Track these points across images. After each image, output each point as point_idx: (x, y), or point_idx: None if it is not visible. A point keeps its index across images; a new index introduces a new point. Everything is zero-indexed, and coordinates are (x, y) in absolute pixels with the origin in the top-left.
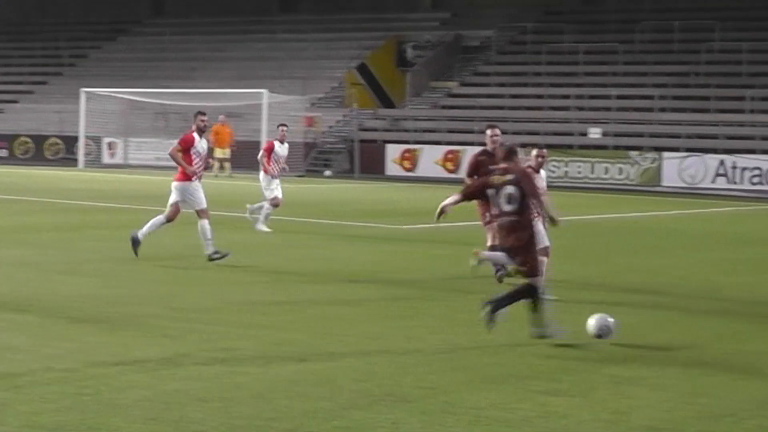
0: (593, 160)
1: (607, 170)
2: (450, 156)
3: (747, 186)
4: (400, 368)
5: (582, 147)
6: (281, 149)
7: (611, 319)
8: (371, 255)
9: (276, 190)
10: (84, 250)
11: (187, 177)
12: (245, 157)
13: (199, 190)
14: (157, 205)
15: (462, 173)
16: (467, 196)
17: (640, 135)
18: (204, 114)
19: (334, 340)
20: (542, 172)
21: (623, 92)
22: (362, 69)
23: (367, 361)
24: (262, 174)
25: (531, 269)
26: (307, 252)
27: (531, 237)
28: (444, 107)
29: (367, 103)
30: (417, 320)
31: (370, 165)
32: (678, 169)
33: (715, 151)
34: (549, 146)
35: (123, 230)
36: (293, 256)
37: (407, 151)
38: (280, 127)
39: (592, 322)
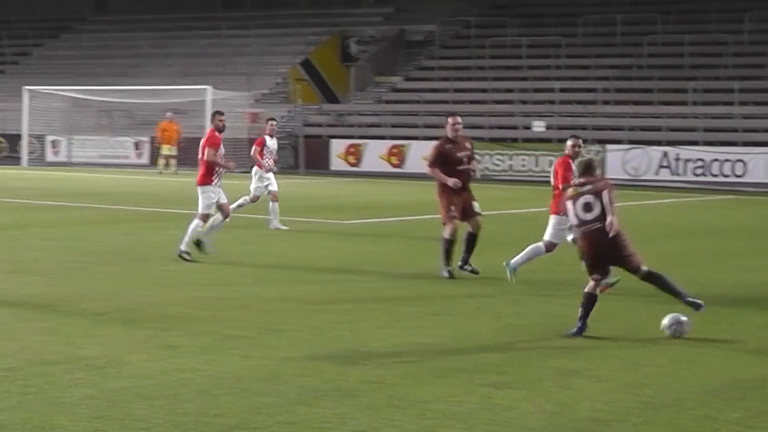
0: (537, 153)
1: (551, 163)
2: (395, 150)
3: (690, 177)
4: (345, 363)
5: (526, 140)
6: (272, 143)
7: (684, 318)
8: (316, 250)
9: (271, 185)
10: (29, 249)
11: (207, 180)
12: (190, 154)
13: (217, 192)
14: (101, 203)
15: (407, 168)
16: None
17: (584, 128)
18: (222, 114)
19: (279, 335)
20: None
21: (566, 85)
22: (306, 64)
23: (312, 357)
24: (255, 169)
25: (635, 266)
26: (252, 248)
27: (617, 236)
28: (388, 102)
29: (312, 98)
30: (362, 315)
31: (315, 160)
32: (621, 161)
33: (658, 143)
34: (493, 140)
35: (68, 228)
36: (238, 253)
37: (352, 146)
38: (269, 122)
39: (665, 322)
